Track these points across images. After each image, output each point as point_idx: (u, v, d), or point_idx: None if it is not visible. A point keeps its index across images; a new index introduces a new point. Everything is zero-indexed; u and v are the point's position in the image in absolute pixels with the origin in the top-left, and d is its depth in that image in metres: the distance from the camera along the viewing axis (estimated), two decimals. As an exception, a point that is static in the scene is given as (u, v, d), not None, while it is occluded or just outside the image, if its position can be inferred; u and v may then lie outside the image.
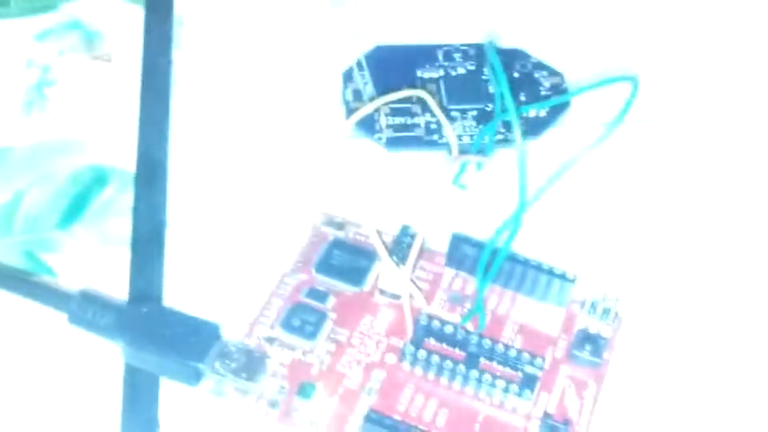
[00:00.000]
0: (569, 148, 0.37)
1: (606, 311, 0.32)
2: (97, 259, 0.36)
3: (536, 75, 0.40)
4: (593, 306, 0.32)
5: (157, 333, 0.30)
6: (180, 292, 0.33)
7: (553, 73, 0.40)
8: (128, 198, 0.37)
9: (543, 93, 0.39)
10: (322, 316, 0.32)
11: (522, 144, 0.28)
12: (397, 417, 0.29)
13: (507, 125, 0.37)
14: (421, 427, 0.29)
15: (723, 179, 0.37)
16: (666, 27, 0.42)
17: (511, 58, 0.40)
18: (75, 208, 0.38)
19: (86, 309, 0.31)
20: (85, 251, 0.36)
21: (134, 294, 0.33)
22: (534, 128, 0.38)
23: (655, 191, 0.37)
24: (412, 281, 0.32)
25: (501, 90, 0.29)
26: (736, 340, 0.33)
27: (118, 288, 0.35)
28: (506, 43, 0.41)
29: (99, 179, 0.38)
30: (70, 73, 0.42)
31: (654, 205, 0.36)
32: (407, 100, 0.37)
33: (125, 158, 0.38)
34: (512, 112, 0.27)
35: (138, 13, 0.43)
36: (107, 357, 0.33)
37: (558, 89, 0.39)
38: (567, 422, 0.30)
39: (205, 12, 0.42)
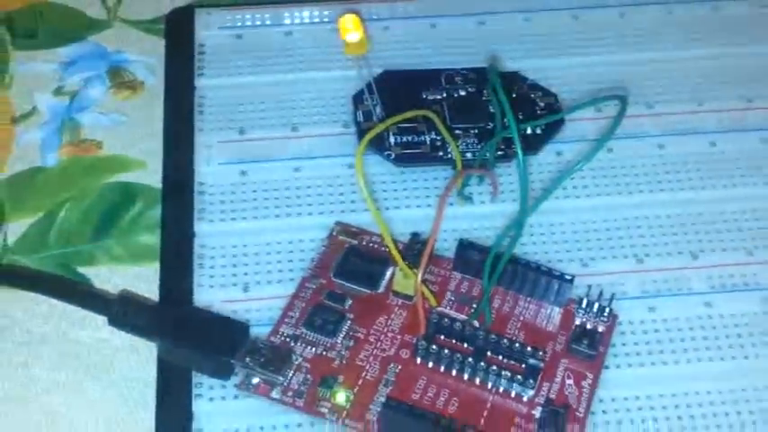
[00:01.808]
0: (565, 162, 0.41)
1: (601, 309, 0.35)
2: (128, 271, 0.39)
3: (532, 95, 0.43)
4: (590, 305, 0.35)
5: (191, 331, 0.33)
6: (207, 297, 0.36)
7: (547, 93, 0.43)
8: (155, 213, 0.40)
9: (539, 112, 0.42)
10: (341, 316, 0.35)
11: (523, 156, 0.31)
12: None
13: (506, 142, 0.40)
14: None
15: (706, 185, 0.40)
16: (651, 48, 0.45)
17: (508, 80, 0.43)
18: (106, 223, 0.41)
19: (125, 311, 0.34)
20: (117, 263, 0.39)
21: (166, 298, 0.36)
22: (532, 144, 0.41)
23: (645, 198, 0.40)
24: (423, 282, 0.35)
25: (503, 108, 0.32)
26: (718, 334, 0.36)
27: (149, 295, 0.38)
28: (503, 67, 0.44)
29: (128, 196, 0.41)
30: (98, 98, 0.45)
31: (642, 212, 0.39)
32: (414, 120, 0.40)
33: (152, 177, 0.42)
34: (512, 125, 0.30)
35: (160, 44, 0.46)
36: (143, 359, 0.36)
37: (552, 108, 0.42)
38: (566, 407, 0.33)
39: (224, 41, 0.45)
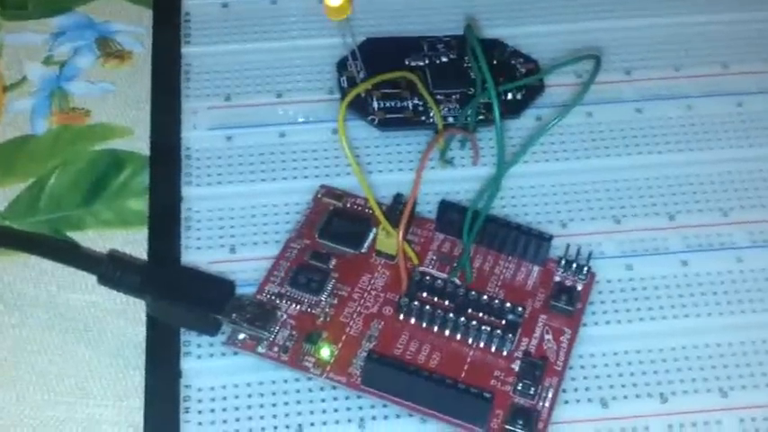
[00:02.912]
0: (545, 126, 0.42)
1: (579, 267, 0.36)
2: (117, 235, 0.40)
3: (512, 62, 0.43)
4: (568, 263, 0.36)
5: (179, 289, 0.34)
6: (195, 258, 0.37)
7: (528, 60, 0.43)
8: (143, 179, 0.41)
9: (519, 77, 0.43)
10: (325, 275, 0.35)
11: (500, 113, 0.32)
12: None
13: (487, 107, 0.41)
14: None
15: (683, 148, 0.41)
16: (630, 15, 0.46)
17: (489, 47, 0.43)
18: (95, 189, 0.41)
19: (114, 270, 0.35)
20: (106, 227, 0.40)
21: (154, 260, 0.37)
22: (512, 109, 0.41)
23: (623, 161, 0.41)
24: (405, 241, 0.35)
25: (479, 65, 0.33)
26: (693, 291, 0.37)
27: (137, 257, 0.39)
28: (485, 35, 0.44)
29: (116, 163, 0.42)
30: (86, 68, 0.45)
31: (621, 175, 0.40)
32: (397, 85, 0.41)
33: (140, 144, 0.42)
34: (489, 83, 0.31)
35: (147, 14, 0.47)
36: (133, 320, 0.37)
37: (533, 74, 0.43)
38: (544, 359, 0.34)
39: (210, 10, 0.45)
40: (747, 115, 0.42)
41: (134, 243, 0.39)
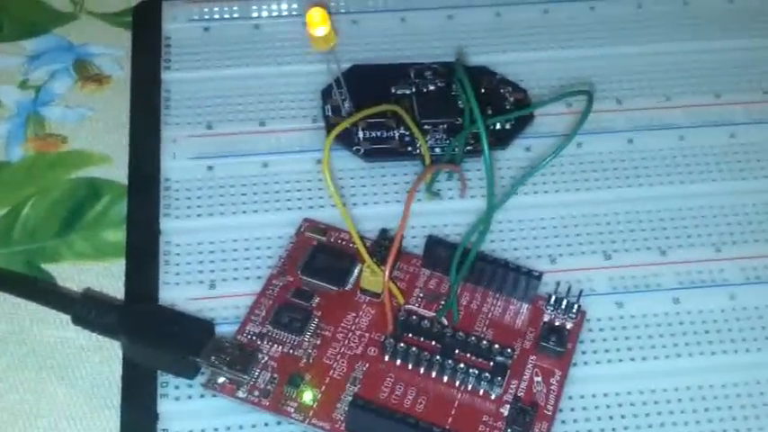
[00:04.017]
0: (534, 158, 0.41)
1: (569, 306, 0.35)
2: (93, 267, 0.39)
3: (501, 90, 0.42)
4: (558, 301, 0.35)
5: (156, 330, 0.33)
6: (173, 295, 0.36)
7: (517, 89, 0.43)
8: (121, 209, 0.40)
9: (508, 107, 0.42)
10: (308, 314, 0.34)
11: (489, 152, 0.31)
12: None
13: (476, 137, 0.40)
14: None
15: (674, 180, 0.40)
16: (621, 43, 0.45)
17: (477, 75, 0.42)
18: (71, 219, 0.40)
19: (89, 310, 0.33)
20: (82, 259, 0.39)
21: (131, 298, 0.36)
22: (501, 139, 0.41)
23: (613, 194, 0.40)
24: (391, 279, 0.34)
25: (468, 99, 0.32)
26: (685, 330, 0.36)
27: (114, 292, 0.37)
28: (473, 62, 0.43)
29: (93, 191, 0.41)
30: (63, 92, 0.44)
31: (611, 208, 0.39)
32: (383, 115, 0.40)
33: (118, 172, 0.41)
34: (478, 118, 0.30)
35: (126, 35, 0.45)
36: (108, 358, 0.35)
37: (522, 104, 0.42)
38: (534, 404, 0.33)
39: (191, 34, 0.44)
40: (740, 147, 0.41)
41: (110, 276, 0.38)
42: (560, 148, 0.34)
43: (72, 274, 0.38)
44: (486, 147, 0.30)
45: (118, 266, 0.38)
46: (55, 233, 0.40)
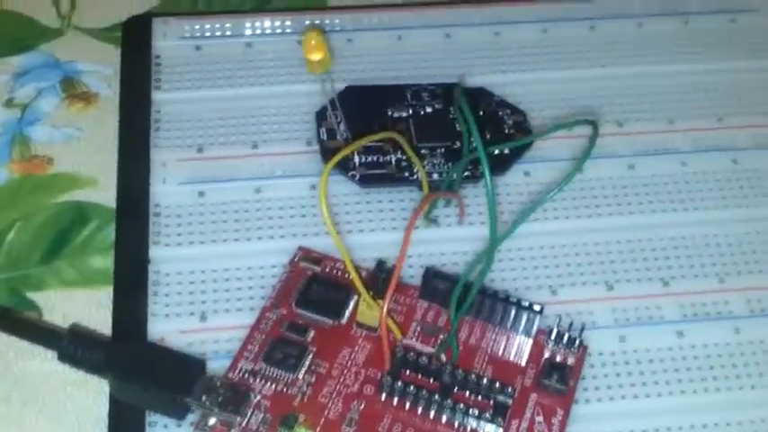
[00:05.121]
0: (533, 183, 0.40)
1: (571, 341, 0.34)
2: (80, 295, 0.37)
3: (500, 113, 0.41)
4: (559, 336, 0.34)
5: (145, 369, 0.32)
6: (163, 328, 0.35)
7: (516, 111, 0.42)
8: (108, 234, 0.39)
9: (507, 131, 0.41)
10: (303, 349, 0.33)
11: (491, 185, 0.30)
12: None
13: (474, 162, 0.39)
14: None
15: (677, 207, 0.39)
16: (621, 63, 0.44)
17: (476, 96, 0.41)
18: (57, 245, 0.39)
19: (75, 346, 0.32)
20: (68, 287, 0.38)
21: (119, 330, 0.34)
22: (499, 165, 0.40)
23: (614, 222, 0.39)
24: (389, 315, 0.33)
25: (471, 134, 0.31)
26: (689, 365, 0.35)
27: (101, 322, 0.36)
28: (471, 82, 0.42)
29: (80, 216, 0.40)
30: (50, 111, 0.43)
31: (612, 236, 0.38)
32: (380, 139, 0.39)
33: (106, 195, 0.40)
34: (481, 153, 0.29)
35: (115, 53, 0.44)
36: (94, 393, 0.34)
37: (521, 127, 0.41)
38: (536, 447, 0.32)
39: (182, 53, 0.43)
40: (743, 173, 0.41)
41: (98, 304, 0.37)
42: (565, 181, 0.33)
43: (58, 303, 0.37)
44: (489, 184, 0.29)
45: (105, 294, 0.37)
46: (40, 259, 0.38)
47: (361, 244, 0.37)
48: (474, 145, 0.38)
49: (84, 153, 0.42)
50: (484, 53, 0.44)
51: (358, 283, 0.33)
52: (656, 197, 0.40)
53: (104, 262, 0.38)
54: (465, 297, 0.33)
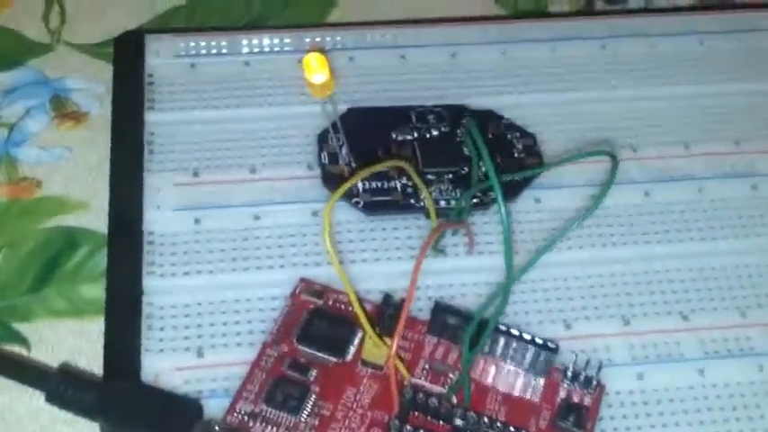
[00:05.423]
0: (544, 210, 0.38)
1: (588, 380, 0.33)
2: (69, 326, 0.36)
3: (509, 136, 0.40)
4: (575, 375, 0.33)
5: (138, 412, 0.30)
6: (158, 364, 0.33)
7: (525, 134, 0.40)
8: (99, 261, 0.37)
9: (517, 155, 0.39)
10: (305, 389, 0.31)
11: (508, 222, 0.28)
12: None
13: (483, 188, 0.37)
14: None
15: (695, 236, 0.38)
16: (634, 85, 0.42)
17: (483, 119, 0.40)
18: (46, 273, 0.37)
19: (65, 387, 0.30)
20: (57, 318, 0.36)
21: (111, 367, 0.33)
22: (510, 191, 0.38)
23: (630, 252, 0.37)
24: (398, 355, 0.32)
25: (485, 166, 0.29)
26: (711, 405, 0.33)
27: (92, 355, 0.34)
28: (478, 104, 0.41)
29: (69, 242, 0.38)
30: (38, 131, 0.41)
31: (629, 267, 0.37)
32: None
33: (97, 220, 0.38)
34: (499, 196, 0.27)
35: (107, 69, 0.42)
36: (85, 426, 0.32)
37: (531, 151, 0.39)
38: (554, 498, 0.30)
39: (176, 71, 0.41)
40: (763, 199, 0.39)
41: (88, 337, 0.35)
42: (583, 217, 0.31)
43: (46, 335, 0.35)
44: (506, 223, 0.27)
45: (96, 325, 0.35)
46: (28, 289, 0.37)
47: (366, 274, 0.36)
48: (484, 169, 0.37)
49: (73, 175, 0.40)
50: (491, 73, 0.42)
51: (363, 321, 0.31)
52: (672, 225, 0.38)
53: (95, 291, 0.36)
54: (478, 335, 0.31)
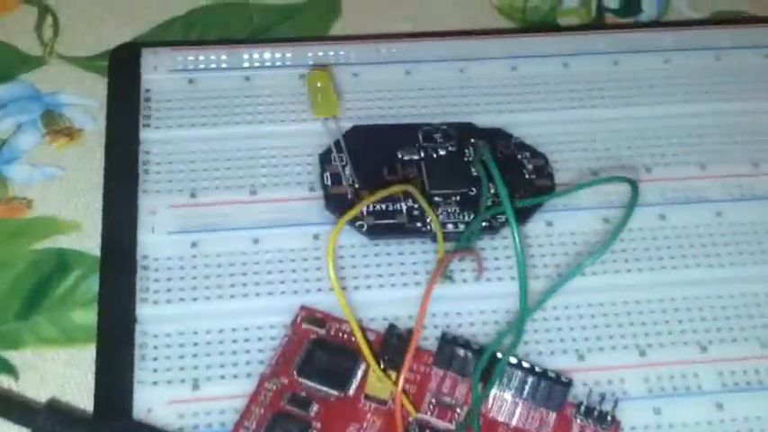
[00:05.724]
0: (555, 234, 0.36)
1: (602, 416, 0.31)
2: (59, 355, 0.34)
3: (519, 156, 0.38)
4: (589, 410, 0.31)
5: (130, 451, 0.28)
6: (150, 397, 0.31)
7: (535, 154, 0.38)
8: (91, 285, 0.35)
9: (527, 176, 0.38)
10: (306, 425, 0.30)
11: (523, 256, 0.26)
12: None
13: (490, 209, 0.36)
14: None
15: (713, 263, 0.36)
16: (648, 102, 0.41)
17: (492, 139, 0.38)
18: (35, 298, 0.36)
19: (53, 424, 0.29)
20: (47, 346, 0.34)
21: (102, 401, 0.31)
22: (521, 214, 0.36)
23: (646, 279, 0.36)
24: (404, 391, 0.30)
25: (500, 195, 0.28)
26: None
27: (82, 385, 0.33)
28: (487, 122, 0.39)
29: (60, 265, 0.36)
30: (29, 148, 0.39)
31: (644, 295, 0.35)
32: (389, 184, 0.36)
33: (90, 242, 0.36)
34: (514, 229, 0.26)
35: (101, 83, 0.41)
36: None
37: (542, 172, 0.38)
38: None
39: (174, 86, 0.40)
40: (783, 225, 0.38)
41: (79, 366, 0.34)
42: (601, 251, 0.30)
43: (35, 364, 0.34)
44: (521, 257, 0.26)
45: (88, 352, 0.34)
46: (17, 314, 0.35)
47: (369, 301, 0.34)
48: (493, 191, 0.35)
49: (65, 194, 0.38)
50: (500, 89, 0.41)
51: (367, 353, 0.30)
52: (689, 251, 0.36)
53: (87, 317, 0.35)
54: (489, 371, 0.29)
